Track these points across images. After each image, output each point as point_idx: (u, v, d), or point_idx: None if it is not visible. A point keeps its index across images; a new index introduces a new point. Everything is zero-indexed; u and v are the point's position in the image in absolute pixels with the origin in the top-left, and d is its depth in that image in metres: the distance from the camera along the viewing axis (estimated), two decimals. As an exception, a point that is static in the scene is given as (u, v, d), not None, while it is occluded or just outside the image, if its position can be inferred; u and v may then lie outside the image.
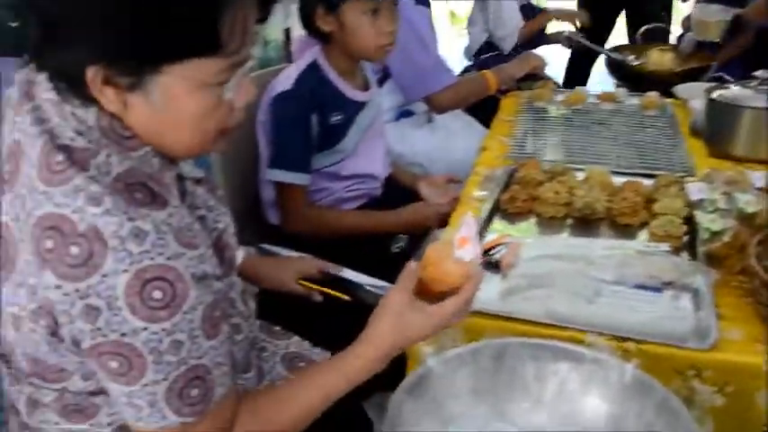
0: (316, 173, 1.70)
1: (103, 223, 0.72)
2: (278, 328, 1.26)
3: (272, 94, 1.66)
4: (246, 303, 1.05)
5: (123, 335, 0.74)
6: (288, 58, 2.80)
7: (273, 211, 1.74)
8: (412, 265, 0.93)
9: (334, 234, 1.68)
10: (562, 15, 3.34)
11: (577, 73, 3.70)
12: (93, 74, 0.73)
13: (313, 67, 1.66)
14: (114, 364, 0.75)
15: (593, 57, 3.48)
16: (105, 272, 0.72)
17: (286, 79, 1.65)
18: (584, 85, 3.41)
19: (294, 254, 1.56)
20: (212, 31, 0.74)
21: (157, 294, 0.73)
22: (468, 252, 0.90)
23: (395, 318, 0.90)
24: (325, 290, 1.40)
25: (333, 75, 1.67)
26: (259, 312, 1.19)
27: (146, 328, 0.74)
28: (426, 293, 0.91)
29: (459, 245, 0.90)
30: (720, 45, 2.72)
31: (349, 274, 1.44)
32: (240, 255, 1.41)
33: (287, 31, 2.69)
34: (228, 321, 0.94)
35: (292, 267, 1.43)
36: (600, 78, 3.06)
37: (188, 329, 0.77)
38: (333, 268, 1.45)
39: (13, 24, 2.87)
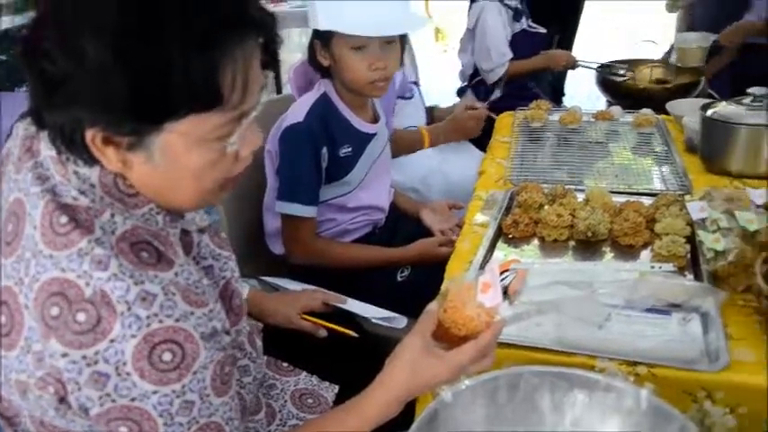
0: (323, 204, 1.70)
1: (110, 288, 0.71)
2: (285, 364, 1.25)
3: (284, 126, 1.66)
4: (254, 344, 1.04)
5: (133, 399, 0.73)
6: (277, 85, 2.82)
7: (277, 241, 1.74)
8: (432, 307, 0.92)
9: (339, 267, 1.68)
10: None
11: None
12: (92, 135, 0.72)
13: (323, 100, 1.67)
14: (124, 430, 0.74)
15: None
16: (113, 337, 0.71)
17: (297, 111, 1.66)
18: (561, 100, 3.45)
19: (297, 285, 1.56)
20: (212, 88, 0.72)
21: (167, 357, 0.73)
22: (490, 298, 0.89)
23: (411, 363, 0.89)
24: (330, 325, 1.40)
25: (342, 107, 1.68)
26: (265, 348, 1.19)
27: (156, 392, 0.73)
28: (445, 337, 0.90)
29: (482, 289, 0.89)
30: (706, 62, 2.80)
31: (354, 305, 1.44)
32: (244, 291, 1.41)
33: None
34: (237, 366, 0.93)
35: (297, 303, 1.43)
36: (587, 93, 3.08)
37: (198, 389, 0.76)
38: (337, 300, 1.44)
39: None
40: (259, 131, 0.83)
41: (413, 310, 1.07)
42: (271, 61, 0.81)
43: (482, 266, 1.42)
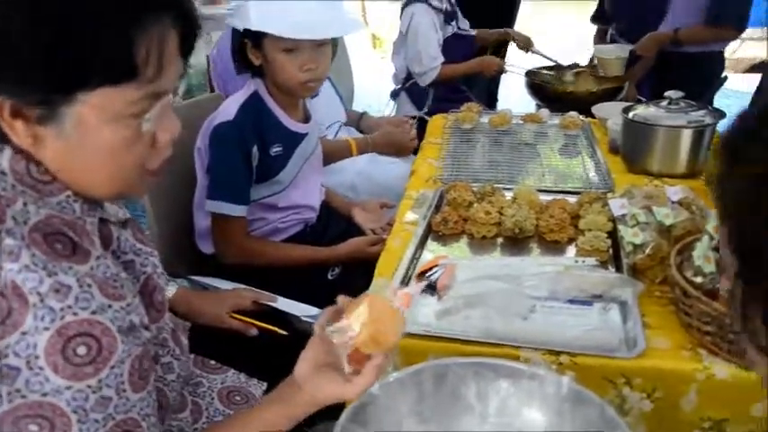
0: (253, 203, 1.69)
1: (22, 279, 0.69)
2: (213, 362, 1.24)
3: (214, 124, 1.65)
4: (178, 342, 1.02)
5: (45, 395, 0.70)
6: (210, 84, 2.78)
7: (207, 240, 1.71)
8: (322, 321, 0.88)
9: (270, 266, 1.67)
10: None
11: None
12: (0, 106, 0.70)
13: (254, 99, 1.66)
14: (34, 428, 0.70)
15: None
16: (25, 330, 0.68)
17: (227, 109, 1.65)
18: (495, 104, 3.54)
19: (227, 285, 1.54)
20: (126, 56, 0.71)
21: (82, 350, 0.70)
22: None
23: (311, 390, 0.87)
24: (260, 324, 1.39)
25: (273, 106, 1.68)
26: (193, 346, 1.17)
27: (70, 387, 0.70)
28: (356, 354, 0.86)
29: (404, 302, 0.88)
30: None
31: (284, 303, 1.43)
32: (171, 290, 1.39)
33: (209, 58, 2.69)
34: (160, 362, 0.91)
35: (226, 302, 1.41)
36: (519, 98, 3.16)
37: (115, 384, 0.74)
38: (267, 298, 1.43)
39: None
40: (176, 118, 0.81)
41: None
42: (188, 49, 0.80)
43: (411, 263, 1.44)
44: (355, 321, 0.85)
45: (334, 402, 0.90)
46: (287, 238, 1.79)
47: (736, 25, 2.82)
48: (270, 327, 1.37)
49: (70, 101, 0.71)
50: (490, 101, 3.56)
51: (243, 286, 1.50)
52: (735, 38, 2.98)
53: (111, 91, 0.72)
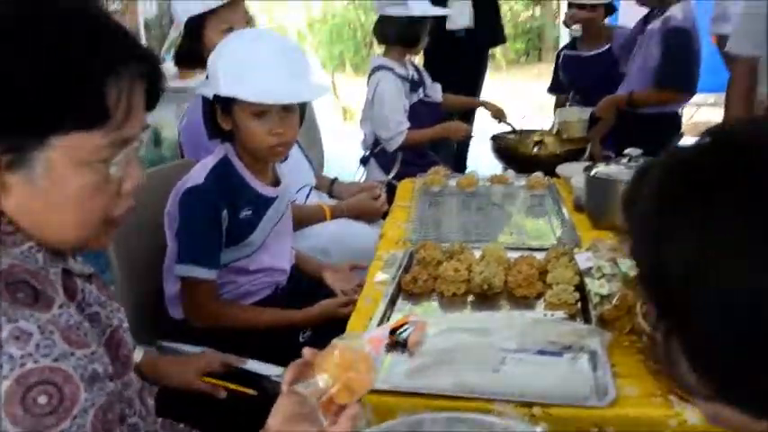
0: (223, 267, 1.69)
1: None
2: (182, 425, 1.21)
3: (183, 188, 1.66)
4: (144, 402, 1.00)
5: None
6: (180, 150, 2.80)
7: (177, 305, 1.70)
8: (289, 378, 0.88)
9: (241, 329, 1.65)
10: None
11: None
12: None
13: (224, 163, 1.68)
14: None
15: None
16: None
17: (197, 173, 1.66)
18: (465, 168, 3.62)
19: (197, 349, 1.52)
20: (99, 100, 0.73)
21: (43, 400, 0.68)
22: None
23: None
24: (229, 385, 1.37)
25: (243, 170, 1.70)
26: (161, 410, 1.14)
27: None
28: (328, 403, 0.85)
29: (374, 346, 0.88)
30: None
31: (254, 365, 1.41)
32: (139, 354, 1.37)
33: (180, 133, 2.72)
34: (126, 422, 0.89)
35: (195, 364, 1.39)
36: (488, 162, 3.23)
37: None
38: (237, 361, 1.42)
39: None
40: (141, 167, 0.83)
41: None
42: (152, 104, 0.82)
43: (381, 323, 1.44)
44: (327, 373, 0.85)
45: None
46: (258, 301, 1.77)
47: (684, 89, 3.00)
48: (239, 388, 1.35)
49: (42, 145, 0.73)
50: (459, 165, 3.64)
51: (212, 350, 1.48)
52: (684, 100, 3.15)
53: (81, 136, 0.74)
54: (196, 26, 2.14)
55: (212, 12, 2.11)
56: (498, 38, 4.21)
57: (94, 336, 0.80)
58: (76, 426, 0.71)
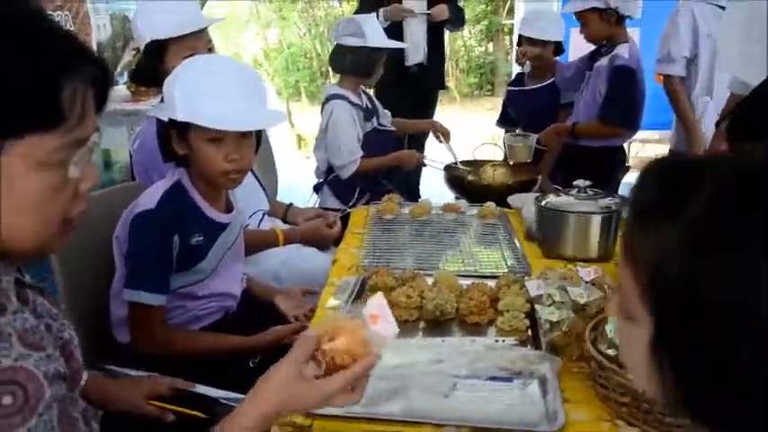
0: (172, 292, 1.66)
1: None
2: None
3: (135, 212, 1.62)
4: (89, 424, 0.97)
5: None
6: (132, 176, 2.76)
7: (124, 329, 1.66)
8: (309, 333, 0.95)
9: (189, 355, 1.62)
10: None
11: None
12: None
13: (177, 187, 1.66)
14: None
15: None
16: None
17: (149, 197, 1.63)
18: (417, 197, 3.67)
19: (143, 374, 1.48)
20: (53, 103, 0.73)
21: (7, 400, 0.68)
22: (383, 328, 0.93)
23: (281, 388, 0.92)
24: (177, 409, 1.34)
25: (196, 196, 1.67)
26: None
27: None
28: (329, 364, 0.93)
29: (371, 322, 0.93)
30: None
31: (202, 389, 1.39)
32: (83, 377, 1.32)
33: (132, 155, 2.69)
34: None
35: (142, 387, 1.36)
36: (440, 192, 3.27)
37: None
38: (185, 384, 1.39)
39: None
40: (96, 168, 0.83)
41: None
42: (101, 106, 0.82)
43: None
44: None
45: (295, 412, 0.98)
46: (207, 326, 1.74)
47: (624, 125, 3.12)
48: (188, 411, 1.32)
49: None
50: (412, 193, 3.67)
51: (158, 375, 1.45)
52: (625, 135, 3.26)
53: (37, 138, 0.73)
54: (159, 47, 2.12)
55: (178, 36, 2.10)
56: (442, 81, 4.47)
57: (50, 340, 0.78)
58: (43, 422, 0.70)
